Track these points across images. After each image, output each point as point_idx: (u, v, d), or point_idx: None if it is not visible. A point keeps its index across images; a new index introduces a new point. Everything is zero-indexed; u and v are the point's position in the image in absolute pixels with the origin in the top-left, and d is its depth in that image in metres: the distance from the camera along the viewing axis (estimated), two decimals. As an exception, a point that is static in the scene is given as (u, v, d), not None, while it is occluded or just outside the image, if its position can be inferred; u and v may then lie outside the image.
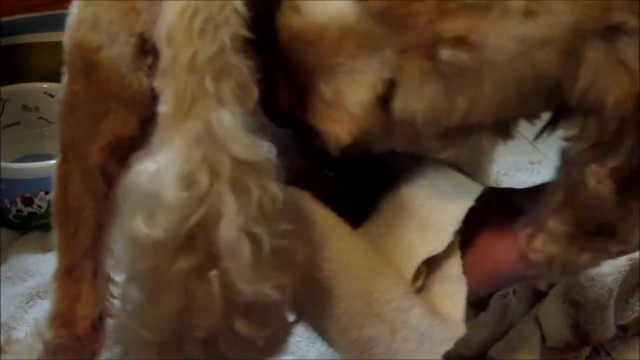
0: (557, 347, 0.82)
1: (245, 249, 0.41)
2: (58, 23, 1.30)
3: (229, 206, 0.41)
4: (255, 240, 0.41)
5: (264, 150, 0.42)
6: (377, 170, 0.54)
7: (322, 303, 0.49)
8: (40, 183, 1.04)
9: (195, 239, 0.41)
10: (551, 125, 0.46)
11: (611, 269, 0.83)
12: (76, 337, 0.64)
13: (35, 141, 1.19)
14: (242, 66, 0.42)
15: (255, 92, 0.43)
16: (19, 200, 1.05)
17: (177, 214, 0.41)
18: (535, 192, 0.51)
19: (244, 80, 0.42)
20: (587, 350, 0.84)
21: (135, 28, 0.53)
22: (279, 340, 0.47)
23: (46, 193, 1.04)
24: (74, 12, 0.57)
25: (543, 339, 0.82)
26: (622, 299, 0.83)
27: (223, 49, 0.41)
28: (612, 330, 0.83)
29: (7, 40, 1.22)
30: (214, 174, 0.41)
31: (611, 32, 0.39)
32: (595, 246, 0.48)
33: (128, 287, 0.44)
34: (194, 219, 0.41)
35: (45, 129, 1.20)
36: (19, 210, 1.06)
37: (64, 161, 0.61)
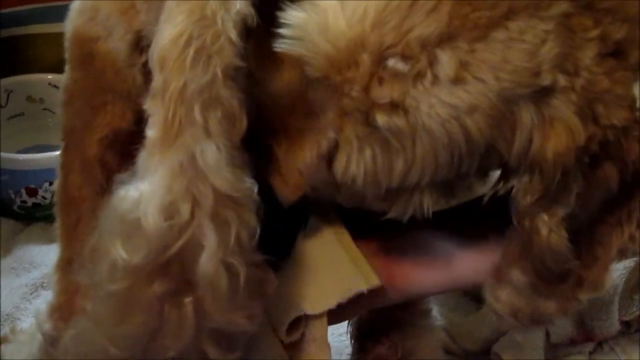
0: (561, 343, 0.82)
1: (223, 280, 0.42)
2: (62, 14, 1.29)
3: (210, 239, 0.42)
4: (232, 272, 0.43)
5: (246, 185, 0.43)
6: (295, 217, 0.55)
7: None
8: (44, 174, 1.04)
9: (173, 266, 0.42)
10: (503, 181, 0.46)
11: (616, 265, 0.82)
12: None
13: (40, 132, 1.19)
14: (232, 98, 0.42)
15: (243, 123, 0.43)
16: (23, 191, 1.05)
17: (156, 243, 0.42)
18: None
19: (232, 111, 0.43)
20: (590, 346, 0.84)
21: (133, 25, 0.53)
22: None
23: (51, 184, 1.04)
24: (76, 0, 0.57)
25: (547, 335, 0.82)
26: (627, 295, 0.83)
27: (214, 80, 0.42)
28: (616, 327, 0.83)
29: (11, 31, 1.21)
30: (195, 205, 0.42)
31: (543, 93, 0.40)
32: (560, 294, 0.48)
33: (100, 301, 0.45)
34: (174, 248, 0.42)
35: (50, 120, 1.20)
36: (24, 201, 1.06)
37: (66, 150, 0.61)
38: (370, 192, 0.44)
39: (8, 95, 1.18)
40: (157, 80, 0.42)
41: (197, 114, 0.42)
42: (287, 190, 0.47)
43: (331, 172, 0.44)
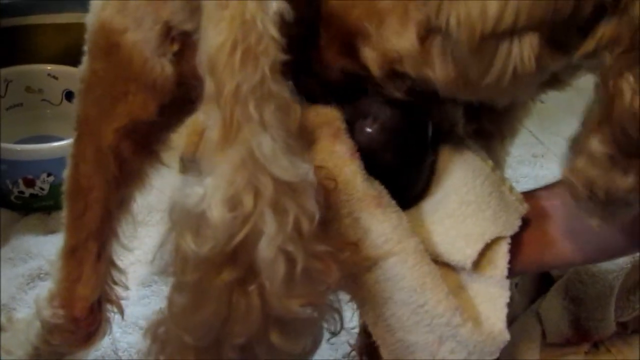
0: (556, 343, 0.82)
1: (280, 267, 0.44)
2: (62, 5, 1.29)
3: (269, 225, 0.44)
4: (289, 259, 0.44)
5: (303, 171, 0.45)
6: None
7: (372, 302, 0.52)
8: (42, 165, 1.03)
9: (239, 255, 0.45)
10: (587, 28, 0.45)
11: (613, 267, 0.83)
12: (73, 318, 0.64)
13: (38, 123, 1.18)
14: (283, 90, 0.45)
15: (297, 111, 0.46)
16: (20, 181, 1.04)
17: (223, 234, 0.44)
18: None
19: (285, 102, 0.45)
20: (586, 347, 0.84)
21: (161, 16, 0.54)
22: (309, 349, 0.51)
23: (48, 175, 1.04)
24: None
25: (543, 334, 0.82)
26: (623, 296, 0.83)
27: (264, 78, 0.44)
28: (612, 328, 0.83)
29: (11, 21, 1.21)
30: (257, 195, 0.44)
31: None
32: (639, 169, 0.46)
33: (175, 293, 0.48)
34: (239, 237, 0.44)
35: (49, 110, 1.19)
36: (21, 192, 1.06)
37: (78, 139, 0.61)
38: (464, 42, 0.44)
39: (7, 85, 1.17)
40: (209, 85, 0.45)
41: (253, 111, 0.44)
42: (378, 61, 0.48)
43: (422, 44, 0.45)
